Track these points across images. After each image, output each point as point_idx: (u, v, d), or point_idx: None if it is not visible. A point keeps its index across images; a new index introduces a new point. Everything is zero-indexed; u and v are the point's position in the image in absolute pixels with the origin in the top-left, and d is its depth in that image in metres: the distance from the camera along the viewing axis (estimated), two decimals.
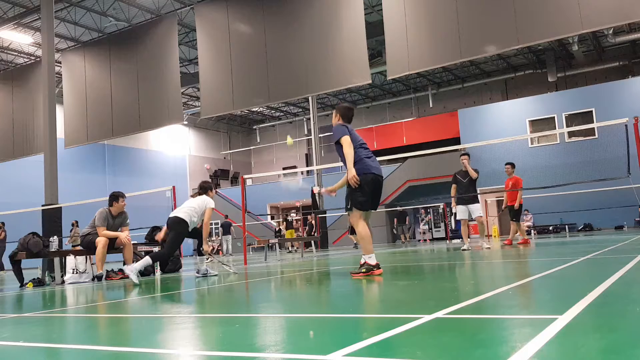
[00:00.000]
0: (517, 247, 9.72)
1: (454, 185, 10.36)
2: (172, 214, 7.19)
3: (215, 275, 7.08)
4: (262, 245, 15.35)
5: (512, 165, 11.19)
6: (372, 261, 5.07)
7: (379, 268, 5.06)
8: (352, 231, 20.47)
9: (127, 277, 8.14)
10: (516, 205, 10.97)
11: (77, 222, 17.83)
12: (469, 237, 10.54)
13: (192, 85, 26.39)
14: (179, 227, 7.01)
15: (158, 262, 8.78)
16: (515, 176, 11.12)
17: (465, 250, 9.69)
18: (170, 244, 7.01)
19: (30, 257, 7.88)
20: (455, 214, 10.60)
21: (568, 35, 10.68)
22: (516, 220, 11.08)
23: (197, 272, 7.16)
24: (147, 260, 6.76)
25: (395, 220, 22.48)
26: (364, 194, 5.14)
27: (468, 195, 10.10)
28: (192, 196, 7.64)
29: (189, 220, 7.07)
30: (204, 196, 7.34)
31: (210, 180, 35.30)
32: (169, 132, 32.52)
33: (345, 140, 5.17)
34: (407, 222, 22.36)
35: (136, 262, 8.63)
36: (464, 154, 10.47)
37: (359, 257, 10.24)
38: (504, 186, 11.52)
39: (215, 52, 13.18)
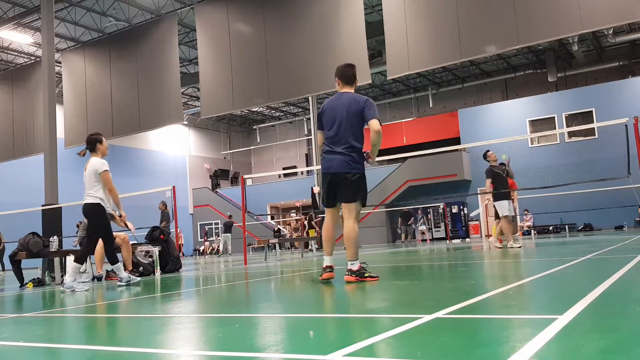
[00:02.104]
0: (506, 248, 9.70)
1: (490, 180, 9.71)
2: (83, 201, 6.28)
3: (137, 283, 6.33)
4: (262, 245, 15.35)
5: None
6: (324, 262, 4.76)
7: (331, 271, 4.69)
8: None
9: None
10: (516, 203, 10.97)
11: (81, 222, 17.81)
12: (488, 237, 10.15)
13: (192, 85, 26.38)
14: (94, 214, 6.14)
15: (158, 262, 8.77)
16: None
17: (515, 247, 9.02)
18: (94, 234, 6.24)
19: (30, 257, 7.88)
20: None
21: (568, 35, 10.68)
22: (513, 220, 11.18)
23: (120, 281, 6.33)
24: (74, 266, 6.07)
25: (399, 220, 22.51)
26: (324, 192, 4.91)
27: (508, 190, 9.60)
28: (80, 154, 6.56)
29: (100, 202, 6.15)
30: (91, 162, 6.28)
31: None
32: (169, 132, 32.51)
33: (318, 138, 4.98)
34: (409, 223, 22.37)
35: (135, 262, 8.66)
36: (488, 150, 10.05)
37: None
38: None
39: (215, 52, 13.18)
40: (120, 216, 6.59)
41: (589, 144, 22.34)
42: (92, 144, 6.38)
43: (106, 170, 6.21)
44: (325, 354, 1.77)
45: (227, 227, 22.74)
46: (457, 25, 10.15)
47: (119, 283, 6.37)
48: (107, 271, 8.16)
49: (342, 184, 4.72)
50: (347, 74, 4.92)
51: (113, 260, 6.31)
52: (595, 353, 1.60)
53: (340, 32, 11.43)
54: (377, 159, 5.13)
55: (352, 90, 4.93)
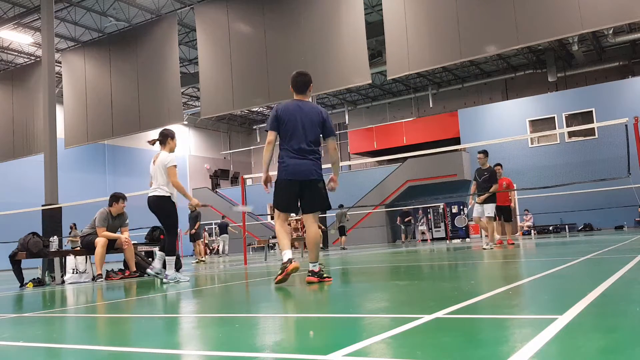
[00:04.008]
0: (506, 247, 9.71)
1: (474, 183, 10.29)
2: (149, 194, 6.41)
3: (187, 280, 6.37)
4: (262, 245, 15.36)
5: (501, 166, 11.35)
6: (285, 257, 4.69)
7: (291, 262, 4.61)
8: (341, 233, 20.52)
9: (127, 277, 8.14)
10: (513, 204, 11.04)
11: (75, 224, 17.76)
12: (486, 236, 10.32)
13: (192, 85, 26.39)
14: (165, 205, 6.29)
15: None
16: (505, 177, 11.26)
17: (487, 248, 9.44)
18: (168, 228, 6.37)
19: (30, 257, 7.88)
20: (469, 211, 10.54)
21: (568, 35, 10.68)
22: (511, 220, 11.24)
23: (166, 277, 6.31)
24: (161, 255, 6.35)
25: (398, 218, 22.55)
26: (277, 196, 4.86)
27: (481, 194, 9.96)
28: (150, 142, 6.74)
29: (170, 194, 6.31)
30: (161, 155, 6.41)
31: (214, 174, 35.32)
32: None
33: (267, 139, 4.83)
34: (407, 220, 22.40)
35: (148, 262, 8.64)
36: (479, 152, 10.35)
37: (352, 257, 10.26)
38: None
39: (215, 52, 13.18)
40: (192, 204, 6.75)
41: (589, 144, 22.34)
42: (164, 137, 6.50)
43: (174, 165, 6.34)
44: (325, 354, 1.77)
45: (223, 228, 22.69)
46: (457, 25, 10.15)
47: (165, 280, 6.33)
48: (107, 271, 8.16)
49: (311, 191, 4.76)
50: (299, 82, 4.94)
51: (168, 253, 6.42)
52: (595, 353, 1.60)
53: (340, 32, 11.43)
54: (377, 159, 5.16)
55: (308, 99, 5.00)
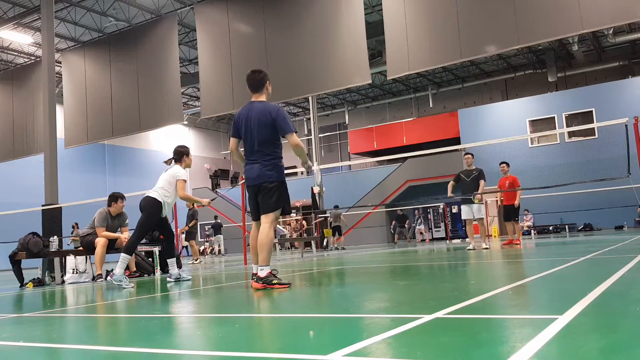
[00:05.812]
0: (513, 247, 9.71)
1: (452, 183, 10.37)
2: (146, 193, 6.42)
3: (189, 279, 6.54)
4: None
5: (508, 164, 11.24)
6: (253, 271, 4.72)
7: (253, 279, 4.58)
8: (335, 233, 20.58)
9: (128, 277, 8.14)
10: (517, 203, 10.99)
11: (77, 224, 17.78)
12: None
13: (192, 85, 26.38)
14: (151, 209, 6.25)
15: (157, 262, 8.78)
16: (511, 175, 11.18)
17: (471, 249, 9.61)
18: (139, 228, 6.29)
19: (30, 257, 7.87)
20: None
21: (568, 35, 10.69)
22: (518, 220, 11.19)
23: (170, 277, 6.51)
24: (123, 257, 6.23)
25: (393, 222, 22.52)
26: (249, 204, 4.89)
27: (472, 194, 10.05)
28: (167, 162, 6.74)
29: (162, 201, 6.28)
30: (174, 167, 6.46)
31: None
32: (169, 132, 32.50)
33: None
34: (406, 225, 22.40)
35: (137, 263, 8.66)
36: (467, 153, 10.49)
37: (351, 257, 10.27)
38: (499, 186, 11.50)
39: (215, 52, 13.17)
40: (202, 205, 6.81)
41: (589, 144, 22.33)
42: (179, 155, 6.54)
43: (183, 179, 6.37)
44: (325, 354, 1.77)
45: (216, 229, 22.73)
46: (457, 25, 10.14)
47: (168, 279, 6.52)
48: (108, 271, 8.16)
49: (262, 195, 4.64)
50: (252, 80, 4.90)
51: (169, 255, 6.62)
52: (595, 353, 1.60)
53: (340, 32, 11.43)
54: (377, 159, 5.12)
55: (264, 97, 4.90)
